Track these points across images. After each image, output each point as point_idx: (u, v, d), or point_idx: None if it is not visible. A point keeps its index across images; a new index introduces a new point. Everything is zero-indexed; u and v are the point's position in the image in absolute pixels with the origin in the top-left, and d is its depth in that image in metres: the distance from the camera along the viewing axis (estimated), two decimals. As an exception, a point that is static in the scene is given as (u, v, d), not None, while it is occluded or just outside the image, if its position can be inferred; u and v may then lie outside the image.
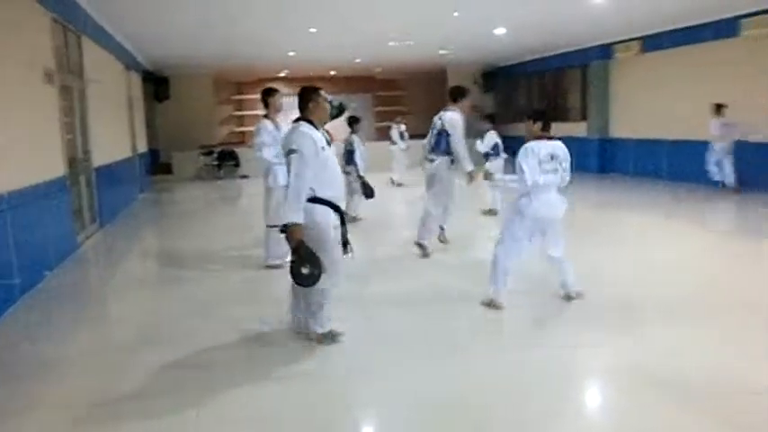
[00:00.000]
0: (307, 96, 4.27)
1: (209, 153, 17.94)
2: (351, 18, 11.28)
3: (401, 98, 23.19)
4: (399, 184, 14.04)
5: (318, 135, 4.16)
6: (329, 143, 4.26)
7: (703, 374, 3.72)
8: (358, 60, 18.20)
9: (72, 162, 8.24)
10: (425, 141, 7.03)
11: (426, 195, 7.06)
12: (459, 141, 6.68)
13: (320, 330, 4.34)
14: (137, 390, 3.74)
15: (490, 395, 3.58)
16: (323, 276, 4.03)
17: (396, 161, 14.63)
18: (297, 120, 4.25)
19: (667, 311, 4.89)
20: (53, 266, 6.83)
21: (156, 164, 18.39)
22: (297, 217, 3.97)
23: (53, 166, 7.25)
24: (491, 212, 9.61)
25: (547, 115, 5.04)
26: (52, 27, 7.58)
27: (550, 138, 4.97)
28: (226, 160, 17.85)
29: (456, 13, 10.89)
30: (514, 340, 4.57)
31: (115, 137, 11.73)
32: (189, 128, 18.57)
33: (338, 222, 4.22)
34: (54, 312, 5.49)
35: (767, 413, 3.29)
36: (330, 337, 4.34)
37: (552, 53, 17.23)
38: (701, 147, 11.95)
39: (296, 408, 3.46)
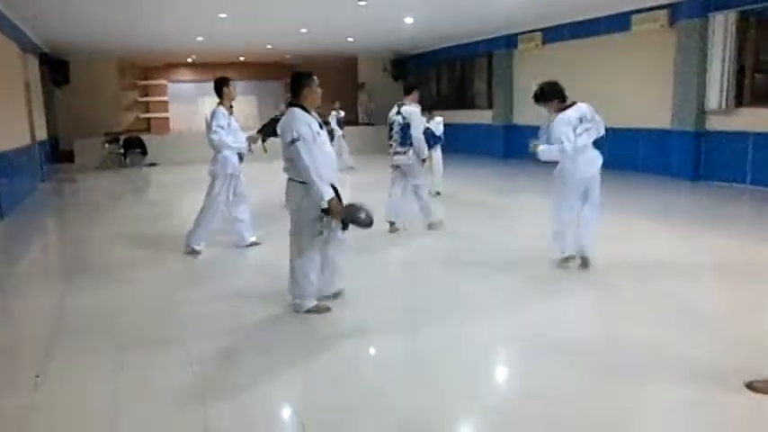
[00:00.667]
0: (300, 82, 4.40)
1: (115, 140, 17.30)
2: (260, 4, 11.25)
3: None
4: (351, 168, 14.11)
5: (312, 119, 4.34)
6: (321, 126, 4.44)
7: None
8: (269, 47, 18.07)
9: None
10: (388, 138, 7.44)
11: (409, 185, 7.47)
12: (419, 131, 7.26)
13: (301, 307, 4.57)
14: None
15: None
16: (298, 254, 4.46)
17: (340, 147, 14.51)
18: (290, 105, 4.42)
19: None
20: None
21: (57, 152, 17.59)
22: (328, 193, 4.22)
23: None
24: (438, 195, 9.97)
25: (556, 88, 5.55)
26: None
27: (571, 105, 5.48)
28: (132, 148, 17.28)
29: (362, 2, 11.06)
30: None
31: (10, 124, 11.17)
32: (92, 114, 17.87)
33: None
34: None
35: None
36: (315, 310, 4.57)
37: (461, 42, 17.75)
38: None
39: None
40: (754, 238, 7.06)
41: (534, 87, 5.65)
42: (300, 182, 4.33)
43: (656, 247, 6.75)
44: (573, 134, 5.32)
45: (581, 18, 13.36)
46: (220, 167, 6.58)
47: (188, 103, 22.66)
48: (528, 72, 15.70)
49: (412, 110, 7.24)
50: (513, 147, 16.07)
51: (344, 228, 4.50)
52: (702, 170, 11.19)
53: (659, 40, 11.73)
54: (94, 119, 17.86)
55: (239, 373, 3.77)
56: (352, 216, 4.36)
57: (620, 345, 4.02)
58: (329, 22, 13.67)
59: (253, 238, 6.91)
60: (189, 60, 21.56)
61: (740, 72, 10.60)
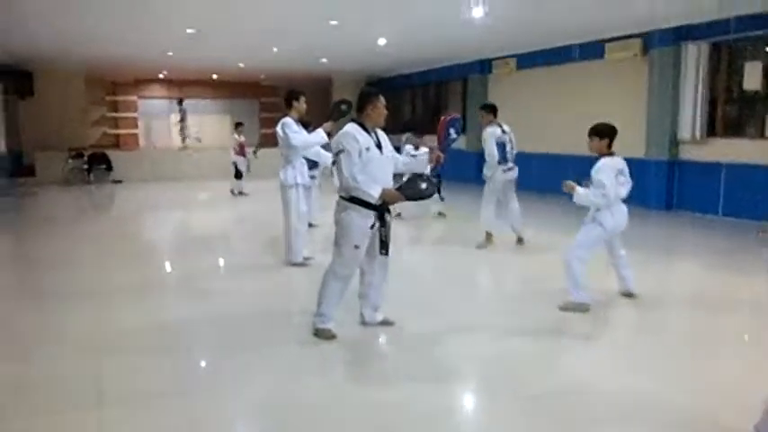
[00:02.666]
0: (363, 98, 4.45)
1: (79, 156, 16.81)
2: (228, 20, 10.97)
3: (281, 105, 22.89)
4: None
5: (365, 136, 4.34)
6: (379, 146, 4.40)
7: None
8: (241, 65, 17.79)
9: None
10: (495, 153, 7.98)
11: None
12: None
13: (316, 325, 4.55)
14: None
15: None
16: (329, 274, 4.47)
17: None
18: (351, 120, 4.46)
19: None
20: None
21: (20, 166, 17.03)
22: (377, 189, 4.23)
23: None
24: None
25: (612, 132, 5.37)
26: None
27: (612, 154, 5.33)
28: (97, 164, 16.81)
29: (333, 22, 10.86)
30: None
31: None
32: (56, 128, 17.34)
33: (377, 223, 4.35)
34: None
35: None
36: (323, 336, 4.50)
37: (435, 66, 17.65)
38: (569, 161, 12.70)
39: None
40: (725, 270, 6.87)
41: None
42: (344, 198, 4.38)
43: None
44: (615, 182, 5.19)
45: (555, 45, 13.31)
46: (290, 177, 6.59)
47: (159, 119, 22.24)
48: (502, 97, 15.58)
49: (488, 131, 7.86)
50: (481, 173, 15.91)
51: (385, 252, 4.44)
52: (676, 200, 11.09)
53: (633, 69, 11.69)
54: (60, 133, 17.33)
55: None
56: (413, 191, 4.32)
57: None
58: (301, 42, 13.44)
59: (300, 258, 6.82)
60: (160, 76, 21.16)
61: (712, 102, 10.59)
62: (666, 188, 11.14)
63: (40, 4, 9.50)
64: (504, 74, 15.27)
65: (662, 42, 10.95)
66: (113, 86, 21.58)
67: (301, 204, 6.72)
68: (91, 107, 19.91)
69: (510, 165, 7.97)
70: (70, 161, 16.68)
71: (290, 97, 6.75)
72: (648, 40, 11.25)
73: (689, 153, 10.92)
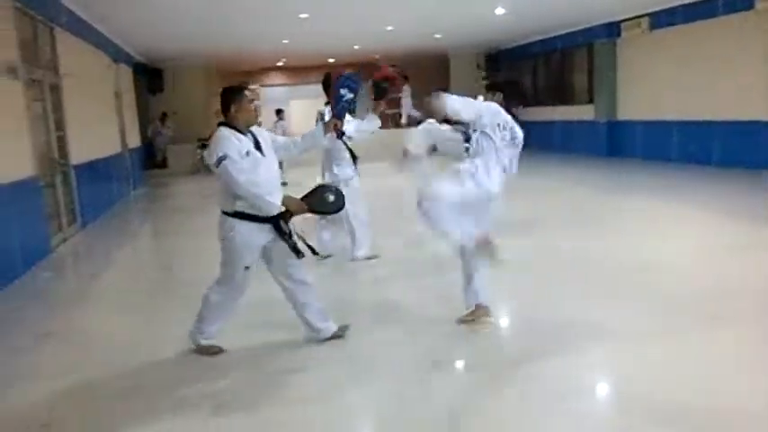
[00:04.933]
0: (227, 98, 3.82)
1: (206, 146, 17.44)
2: (340, 3, 10.78)
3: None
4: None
5: (243, 139, 3.76)
6: (258, 147, 3.81)
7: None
8: (356, 47, 17.64)
9: (45, 160, 7.82)
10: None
11: None
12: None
13: (193, 341, 4.09)
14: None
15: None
16: (213, 286, 3.96)
17: None
18: (218, 124, 3.83)
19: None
20: (20, 273, 6.41)
21: (151, 158, 17.96)
22: (276, 202, 3.70)
23: (19, 165, 6.79)
24: None
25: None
26: (17, 18, 7.12)
27: None
28: (223, 153, 17.40)
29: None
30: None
31: (100, 132, 11.29)
32: (185, 121, 18.06)
33: (271, 236, 3.81)
34: (12, 325, 5.03)
35: None
36: (201, 351, 4.05)
37: (556, 33, 16.56)
38: (712, 127, 11.50)
39: None
40: None
41: None
42: (228, 213, 3.78)
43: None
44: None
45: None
46: (334, 174, 6.12)
47: (280, 107, 22.72)
48: (634, 62, 14.33)
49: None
50: (617, 144, 14.81)
51: (298, 254, 3.84)
52: None
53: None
54: (188, 125, 18.02)
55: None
56: (318, 202, 3.85)
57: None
58: (415, 18, 13.01)
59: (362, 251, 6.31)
60: (279, 64, 21.57)
61: None
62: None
63: (163, 6, 9.79)
64: (635, 36, 13.99)
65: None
66: (236, 77, 22.22)
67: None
68: (214, 98, 20.58)
69: None
70: (198, 151, 17.35)
71: (327, 82, 5.99)
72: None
73: None
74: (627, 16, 13.87)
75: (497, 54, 19.81)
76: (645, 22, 13.47)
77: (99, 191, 10.39)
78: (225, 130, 3.76)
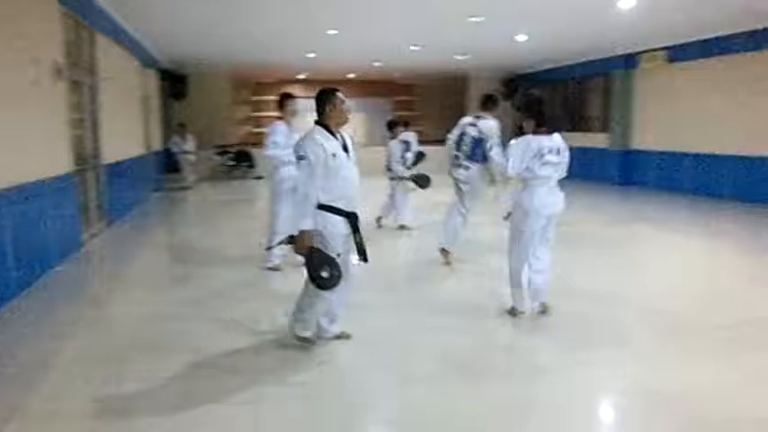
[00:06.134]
0: (323, 99, 4.11)
1: (225, 153, 17.85)
2: (370, 21, 11.09)
3: (416, 103, 23.01)
4: None
5: (332, 141, 4.03)
6: (346, 148, 4.11)
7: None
8: (377, 64, 18.00)
9: (80, 158, 8.13)
10: (452, 147, 6.79)
11: (459, 202, 6.85)
12: (498, 148, 6.51)
13: (299, 333, 4.30)
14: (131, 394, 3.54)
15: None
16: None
17: None
18: (315, 123, 4.12)
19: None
20: (55, 264, 6.69)
21: (172, 162, 18.28)
22: (306, 224, 3.92)
23: (59, 162, 7.11)
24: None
25: (534, 108, 4.85)
26: (63, 21, 7.46)
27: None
28: (241, 161, 17.76)
29: (473, 19, 10.63)
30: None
31: (128, 134, 11.62)
32: (205, 127, 18.40)
33: (349, 230, 4.09)
34: (49, 312, 5.29)
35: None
36: (304, 341, 4.30)
37: (575, 61, 16.91)
38: (725, 161, 11.76)
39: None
40: None
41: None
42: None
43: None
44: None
45: (713, 35, 12.22)
46: (277, 183, 6.58)
47: (300, 119, 23.04)
48: (650, 93, 14.61)
49: (491, 124, 6.61)
50: (630, 173, 15.05)
51: (363, 255, 4.09)
52: None
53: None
54: (208, 132, 18.38)
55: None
56: (312, 266, 3.88)
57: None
58: (440, 39, 13.34)
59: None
60: (300, 77, 21.92)
61: None
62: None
63: (197, 14, 10.12)
64: (652, 68, 14.29)
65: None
66: (257, 87, 22.62)
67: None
68: (236, 107, 21.00)
69: (460, 161, 6.69)
70: (217, 157, 17.71)
71: (282, 100, 6.59)
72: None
73: None
74: (644, 48, 14.18)
75: (516, 78, 20.14)
76: (662, 54, 13.77)
77: (125, 191, 10.68)
78: (317, 131, 4.05)
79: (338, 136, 4.11)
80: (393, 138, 9.27)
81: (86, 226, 8.29)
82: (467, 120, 6.78)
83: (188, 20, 10.84)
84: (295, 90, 22.87)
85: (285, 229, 6.47)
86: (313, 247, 3.92)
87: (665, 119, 14.13)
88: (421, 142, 9.90)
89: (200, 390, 3.68)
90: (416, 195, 9.79)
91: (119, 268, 7.18)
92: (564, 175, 4.87)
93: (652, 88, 14.53)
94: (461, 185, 6.77)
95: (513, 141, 4.78)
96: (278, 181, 6.58)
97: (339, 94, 4.11)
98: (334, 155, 3.97)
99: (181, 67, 17.91)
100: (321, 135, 4.02)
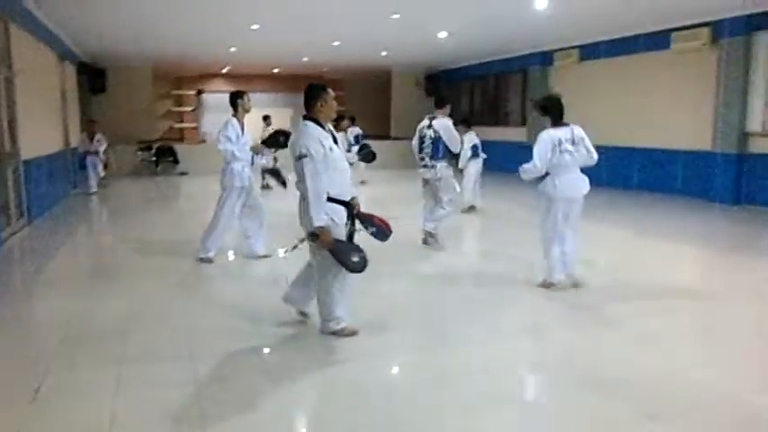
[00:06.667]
0: (313, 94, 4.23)
1: (147, 148, 17.50)
2: (291, 16, 11.22)
3: (344, 98, 23.15)
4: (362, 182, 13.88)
5: (325, 135, 4.18)
6: (335, 140, 4.28)
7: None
8: (305, 59, 18.08)
9: (-3, 154, 7.94)
10: (416, 151, 7.37)
11: (437, 197, 7.33)
12: (456, 143, 7.31)
13: (327, 328, 4.37)
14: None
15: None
16: (329, 274, 4.23)
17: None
18: (304, 118, 4.25)
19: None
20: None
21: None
22: (323, 220, 4.05)
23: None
24: (471, 209, 10.14)
25: (551, 106, 5.86)
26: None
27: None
28: (164, 156, 17.45)
29: (396, 15, 10.95)
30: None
31: (47, 129, 11.32)
32: (126, 122, 18.00)
33: (346, 219, 4.28)
34: None
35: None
36: (347, 333, 4.36)
37: (494, 58, 17.54)
38: (635, 153, 12.60)
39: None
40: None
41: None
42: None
43: (689, 272, 6.43)
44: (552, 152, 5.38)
45: (620, 35, 13.03)
46: (228, 179, 6.64)
47: (223, 114, 22.70)
48: (564, 89, 15.32)
49: (444, 123, 7.17)
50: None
51: (351, 239, 4.30)
52: (744, 194, 10.76)
53: (700, 59, 11.37)
54: (129, 127, 17.98)
55: (240, 395, 3.57)
56: (342, 255, 4.11)
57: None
58: (362, 36, 13.61)
59: (262, 252, 6.85)
60: (224, 71, 21.73)
61: (785, 93, 10.22)
62: (734, 182, 10.83)
63: (115, 6, 9.98)
64: (566, 65, 15.05)
65: (732, 31, 10.64)
66: (178, 81, 22.27)
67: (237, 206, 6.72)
68: (157, 101, 20.61)
69: (425, 162, 7.25)
70: (139, 153, 17.37)
71: (234, 98, 6.72)
72: (717, 29, 10.92)
73: (758, 146, 10.58)
74: (559, 47, 14.92)
75: (437, 74, 20.68)
76: (575, 53, 14.54)
77: (45, 187, 10.42)
78: (311, 126, 4.17)
79: (326, 129, 4.25)
80: (339, 131, 9.49)
81: (6, 224, 8.09)
82: (423, 123, 7.34)
83: (106, 13, 10.66)
84: (217, 84, 23.00)
85: (226, 227, 6.74)
86: (335, 240, 4.10)
87: (577, 114, 14.84)
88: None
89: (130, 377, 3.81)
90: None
91: (41, 266, 7.09)
92: (588, 162, 5.58)
93: (566, 85, 15.27)
94: (435, 182, 7.28)
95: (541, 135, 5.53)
96: (228, 177, 6.64)
97: (330, 90, 4.29)
98: (331, 149, 4.13)
99: (100, 61, 17.45)
100: (316, 131, 4.14)
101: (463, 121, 10.39)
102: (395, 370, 4.05)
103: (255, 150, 6.91)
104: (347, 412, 3.37)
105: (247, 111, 6.73)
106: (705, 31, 11.07)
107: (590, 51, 14.15)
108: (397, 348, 4.34)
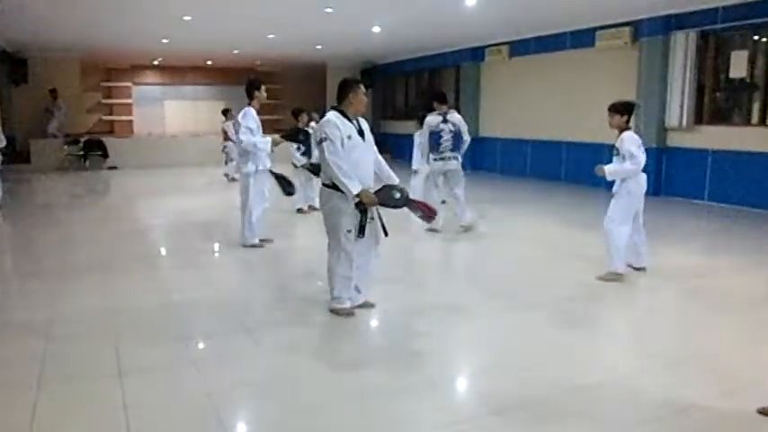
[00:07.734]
0: (347, 88, 4.52)
1: (75, 142, 16.90)
2: (224, 8, 11.07)
3: (278, 91, 22.96)
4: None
5: (346, 123, 4.44)
6: (361, 133, 4.52)
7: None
8: (236, 51, 17.85)
9: None
10: (432, 146, 7.74)
11: (454, 189, 7.98)
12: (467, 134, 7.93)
13: (330, 305, 4.72)
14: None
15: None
16: (328, 256, 4.60)
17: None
18: (332, 108, 4.55)
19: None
20: None
21: (12, 152, 17.05)
22: (356, 186, 4.33)
23: None
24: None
25: (629, 108, 6.01)
26: None
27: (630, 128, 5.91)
28: (92, 150, 16.90)
29: (328, 9, 10.97)
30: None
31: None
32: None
33: (358, 208, 4.46)
34: None
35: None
36: (340, 314, 4.65)
37: (428, 53, 17.76)
38: (562, 147, 13.03)
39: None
40: (708, 253, 7.11)
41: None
42: (327, 185, 4.50)
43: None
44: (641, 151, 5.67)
45: (547, 32, 13.46)
46: (250, 165, 6.69)
47: (153, 106, 22.24)
48: (495, 85, 15.76)
49: (459, 117, 7.84)
50: (478, 159, 16.06)
51: (362, 235, 4.54)
52: (664, 186, 11.31)
53: (623, 57, 11.86)
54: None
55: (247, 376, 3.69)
56: (387, 199, 4.48)
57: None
58: (296, 29, 13.54)
59: (256, 240, 7.00)
60: (155, 63, 21.20)
61: (699, 90, 10.77)
62: (655, 174, 11.35)
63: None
64: (496, 62, 15.40)
65: (651, 31, 11.13)
66: (108, 73, 21.58)
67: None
68: (86, 94, 19.91)
69: (443, 155, 7.76)
70: (65, 147, 16.76)
71: (251, 87, 6.73)
72: (638, 29, 11.43)
73: (677, 140, 11.14)
74: (490, 43, 15.25)
75: (373, 68, 20.78)
76: (505, 49, 14.90)
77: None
78: (333, 115, 4.47)
79: (354, 122, 4.52)
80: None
81: None
82: (436, 119, 7.68)
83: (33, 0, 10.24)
84: (149, 76, 22.40)
85: (260, 211, 6.88)
86: (375, 194, 4.42)
87: (507, 109, 15.31)
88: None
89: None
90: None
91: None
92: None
93: (497, 80, 15.66)
94: (451, 175, 7.86)
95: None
96: (246, 174, 6.73)
97: (361, 86, 4.57)
98: (349, 137, 4.40)
99: (20, 50, 16.71)
100: (337, 119, 4.44)
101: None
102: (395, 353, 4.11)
103: (276, 142, 6.92)
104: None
105: (263, 100, 6.78)
106: (627, 30, 11.56)
107: (519, 48, 14.55)
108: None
